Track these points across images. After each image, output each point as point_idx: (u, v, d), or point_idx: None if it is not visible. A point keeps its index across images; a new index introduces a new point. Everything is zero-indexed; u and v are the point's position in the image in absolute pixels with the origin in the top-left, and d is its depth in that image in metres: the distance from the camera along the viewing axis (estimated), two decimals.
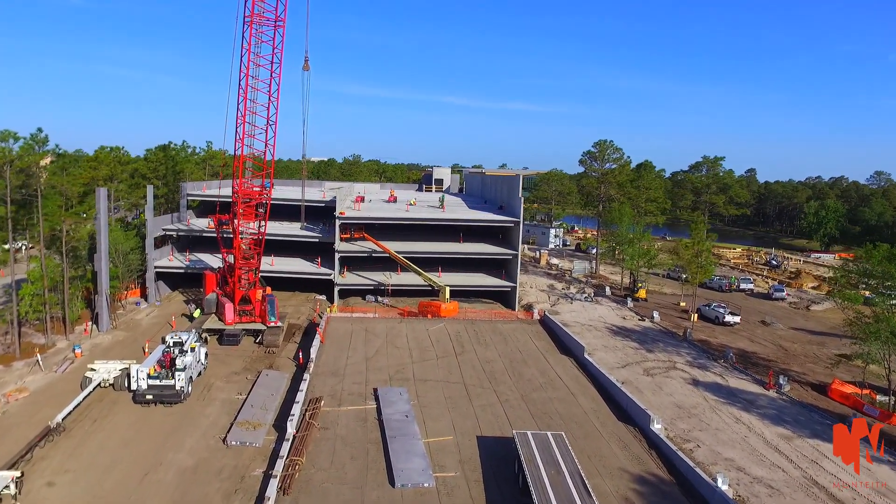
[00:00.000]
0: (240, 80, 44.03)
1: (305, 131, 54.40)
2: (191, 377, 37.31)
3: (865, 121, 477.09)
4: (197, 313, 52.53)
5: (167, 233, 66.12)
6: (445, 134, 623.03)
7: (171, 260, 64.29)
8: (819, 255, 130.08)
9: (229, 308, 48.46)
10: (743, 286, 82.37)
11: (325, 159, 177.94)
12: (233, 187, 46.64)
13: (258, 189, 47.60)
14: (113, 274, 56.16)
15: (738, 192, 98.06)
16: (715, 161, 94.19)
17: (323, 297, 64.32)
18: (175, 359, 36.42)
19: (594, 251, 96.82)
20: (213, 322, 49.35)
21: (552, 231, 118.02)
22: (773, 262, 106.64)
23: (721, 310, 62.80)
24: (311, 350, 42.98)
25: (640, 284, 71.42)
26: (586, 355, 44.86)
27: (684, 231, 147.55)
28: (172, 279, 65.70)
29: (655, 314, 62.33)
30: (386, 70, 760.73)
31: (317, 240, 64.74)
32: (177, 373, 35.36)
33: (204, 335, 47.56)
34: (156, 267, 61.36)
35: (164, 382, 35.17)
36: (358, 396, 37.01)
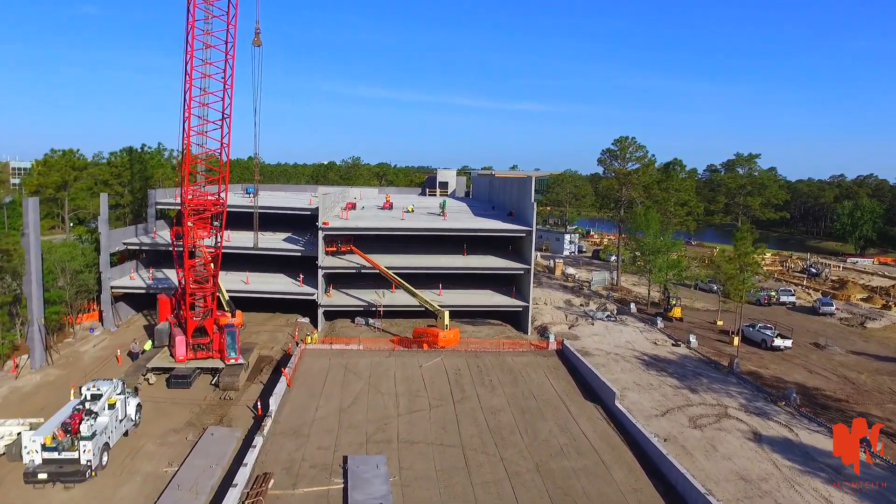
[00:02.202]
0: (185, 63, 35.70)
1: (258, 122, 44.79)
2: (107, 443, 28.78)
3: (884, 117, 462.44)
4: (148, 345, 44.17)
5: (129, 247, 57.98)
6: (454, 136, 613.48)
7: (133, 278, 56.08)
8: (856, 259, 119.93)
9: (180, 342, 39.94)
10: (783, 299, 72.99)
11: (325, 162, 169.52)
12: (180, 196, 38.21)
13: (212, 197, 39.15)
14: (56, 297, 48.16)
15: (777, 193, 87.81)
16: (749, 159, 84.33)
17: (306, 320, 55.81)
18: (83, 421, 27.91)
19: (613, 259, 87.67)
20: (162, 359, 40.80)
21: (567, 237, 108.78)
22: (813, 270, 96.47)
23: (768, 332, 53.46)
24: (272, 399, 34.27)
25: (674, 302, 62.04)
26: (617, 403, 35.76)
27: (707, 234, 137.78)
28: (137, 300, 57.54)
29: (692, 338, 53.06)
30: (391, 71, 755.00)
31: (299, 254, 56.27)
32: (81, 442, 26.83)
33: (148, 376, 39.28)
34: (112, 287, 53.19)
35: (65, 455, 26.67)
36: (321, 470, 28.25)
